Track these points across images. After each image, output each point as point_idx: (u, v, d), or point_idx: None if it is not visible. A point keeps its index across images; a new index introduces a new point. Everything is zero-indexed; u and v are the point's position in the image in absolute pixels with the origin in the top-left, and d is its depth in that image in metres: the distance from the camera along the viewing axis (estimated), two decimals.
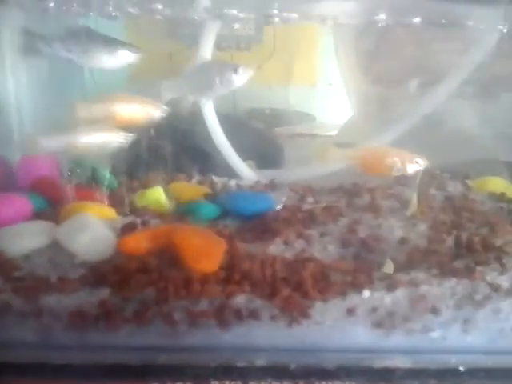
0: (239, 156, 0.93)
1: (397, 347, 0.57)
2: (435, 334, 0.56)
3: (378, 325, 0.55)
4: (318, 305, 0.55)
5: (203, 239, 0.57)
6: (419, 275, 0.57)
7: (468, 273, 0.57)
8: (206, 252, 0.56)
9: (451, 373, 0.56)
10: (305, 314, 0.54)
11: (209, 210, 0.70)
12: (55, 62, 0.95)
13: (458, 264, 0.59)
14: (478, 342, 0.57)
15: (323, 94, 1.34)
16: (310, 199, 0.81)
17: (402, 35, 1.08)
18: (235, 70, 0.75)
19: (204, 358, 0.53)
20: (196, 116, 0.86)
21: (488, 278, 0.56)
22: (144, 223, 0.66)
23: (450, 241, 0.65)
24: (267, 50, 1.24)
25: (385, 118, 1.11)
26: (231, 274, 0.56)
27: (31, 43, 0.79)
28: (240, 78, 0.76)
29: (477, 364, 0.56)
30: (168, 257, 0.57)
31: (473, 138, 1.00)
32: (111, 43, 0.74)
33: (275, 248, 0.63)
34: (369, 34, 1.12)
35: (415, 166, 0.71)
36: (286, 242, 0.64)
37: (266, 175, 0.95)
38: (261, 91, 1.30)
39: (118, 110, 0.74)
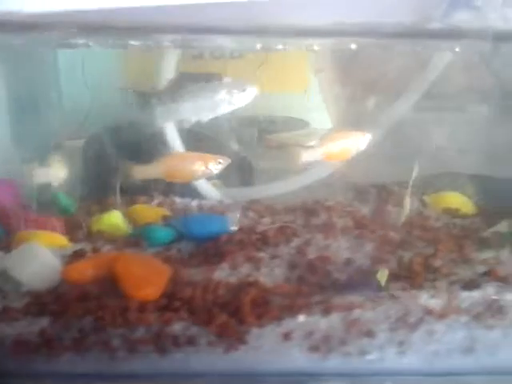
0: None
1: (334, 370, 0.58)
2: (371, 357, 0.59)
3: (314, 348, 0.57)
4: (255, 330, 0.56)
5: (145, 267, 0.59)
6: (355, 298, 0.59)
7: (402, 296, 0.59)
8: (147, 280, 0.57)
9: None
10: (241, 340, 0.56)
11: (162, 234, 0.71)
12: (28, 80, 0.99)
13: (395, 287, 0.61)
14: (414, 363, 0.59)
15: (316, 100, 1.39)
16: (267, 219, 0.83)
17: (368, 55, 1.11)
18: (243, 89, 0.76)
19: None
20: (156, 135, 0.88)
21: (421, 301, 0.58)
22: (94, 250, 0.68)
23: (393, 261, 0.68)
24: (260, 57, 1.28)
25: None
26: (171, 302, 0.58)
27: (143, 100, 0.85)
28: (247, 96, 0.77)
29: None
30: (111, 285, 0.59)
31: (437, 151, 1.02)
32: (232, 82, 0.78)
33: (221, 273, 0.64)
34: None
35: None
36: (232, 267, 0.66)
37: (234, 194, 0.98)
38: (254, 98, 1.34)
39: (175, 169, 0.77)
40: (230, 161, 0.83)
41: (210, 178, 0.96)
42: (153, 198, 0.87)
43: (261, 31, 0.72)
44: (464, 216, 0.84)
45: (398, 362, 0.58)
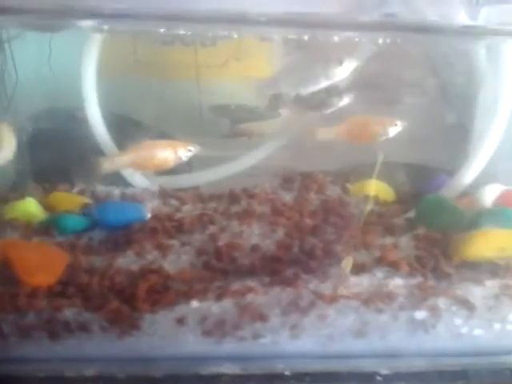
0: None
1: (228, 354, 0.61)
2: (265, 340, 0.61)
3: (208, 333, 0.59)
4: (148, 316, 0.58)
5: (40, 254, 0.60)
6: (249, 283, 0.60)
7: (293, 281, 0.60)
8: (40, 266, 0.58)
9: (278, 378, 0.60)
10: (134, 326, 0.57)
11: (74, 222, 0.72)
12: None
13: (289, 273, 0.62)
14: (307, 346, 0.61)
15: None
16: (188, 207, 0.84)
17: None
18: (340, 62, 0.76)
19: (33, 368, 0.56)
20: (81, 121, 0.87)
21: (310, 286, 0.60)
22: None
23: (296, 248, 0.69)
24: (233, 45, 1.26)
25: None
26: (66, 288, 0.59)
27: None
28: (344, 70, 0.76)
29: (304, 369, 0.60)
30: (5, 271, 0.60)
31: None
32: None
33: (125, 260, 0.65)
34: None
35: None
36: (138, 254, 0.67)
37: (164, 182, 0.97)
38: (227, 87, 1.34)
39: (146, 159, 0.77)
40: (199, 148, 0.83)
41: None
42: (73, 186, 0.87)
43: (213, 18, 0.73)
44: (383, 203, 0.86)
45: (291, 346, 0.61)
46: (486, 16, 0.74)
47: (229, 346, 0.59)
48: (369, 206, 0.87)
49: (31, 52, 1.02)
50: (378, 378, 0.60)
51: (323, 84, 0.78)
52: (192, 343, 0.58)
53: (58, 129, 0.88)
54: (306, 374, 0.60)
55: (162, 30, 0.82)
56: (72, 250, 0.65)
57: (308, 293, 0.59)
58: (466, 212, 0.72)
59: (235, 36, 0.90)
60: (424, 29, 0.75)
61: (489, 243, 0.64)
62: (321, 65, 0.76)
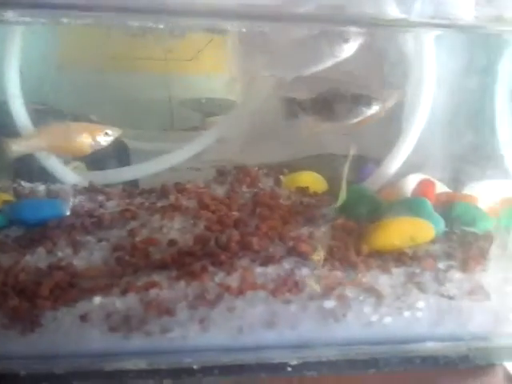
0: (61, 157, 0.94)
1: (135, 350, 0.60)
2: (173, 335, 0.60)
3: (113, 329, 0.58)
4: (51, 313, 0.57)
5: None
6: (154, 278, 0.60)
7: (199, 274, 0.60)
8: None
9: (186, 371, 0.60)
10: (35, 323, 0.57)
11: None
12: None
13: (197, 266, 0.62)
14: (217, 339, 0.61)
15: None
16: (113, 203, 0.82)
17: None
18: (345, 40, 0.73)
19: None
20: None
21: (216, 279, 0.60)
22: None
23: (211, 242, 0.69)
24: (203, 37, 1.23)
25: None
26: None
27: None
28: (350, 47, 0.73)
29: (213, 362, 0.60)
30: None
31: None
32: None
33: (34, 257, 0.64)
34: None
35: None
36: (49, 251, 0.66)
37: (97, 177, 0.95)
38: (197, 80, 1.31)
39: (60, 142, 0.75)
40: (120, 131, 0.81)
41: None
42: None
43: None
44: (313, 194, 0.87)
45: (200, 339, 0.61)
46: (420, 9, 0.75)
47: (136, 342, 0.59)
48: (300, 197, 0.89)
49: None
50: (288, 368, 0.61)
51: (329, 63, 0.75)
52: (97, 339, 0.58)
53: None
54: (215, 367, 0.60)
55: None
56: None
57: (215, 285, 0.60)
58: (382, 201, 0.73)
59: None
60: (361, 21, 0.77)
61: (399, 232, 0.65)
62: (325, 42, 0.73)
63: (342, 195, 0.75)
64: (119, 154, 1.08)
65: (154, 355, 0.60)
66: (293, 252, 0.64)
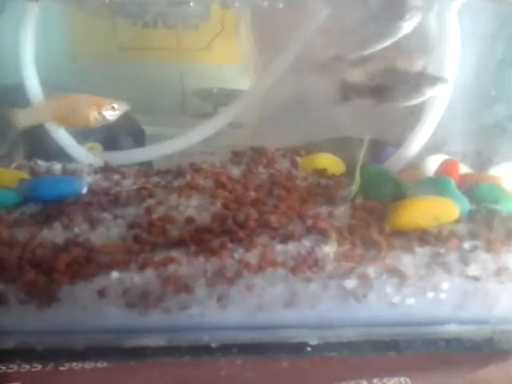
0: (79, 138, 0.93)
1: (153, 326, 0.59)
2: (191, 312, 0.60)
3: (131, 305, 0.57)
4: (68, 287, 0.57)
5: None
6: (175, 254, 0.59)
7: (218, 250, 0.59)
8: None
9: (204, 349, 0.59)
10: (52, 297, 0.56)
11: (3, 196, 0.69)
12: None
13: (215, 242, 0.61)
14: (235, 317, 0.60)
15: None
16: (129, 181, 0.81)
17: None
18: (401, 16, 0.71)
19: None
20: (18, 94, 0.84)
21: (235, 256, 0.59)
22: None
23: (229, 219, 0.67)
24: (215, 27, 1.20)
25: None
26: None
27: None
28: (409, 25, 0.71)
29: (231, 340, 0.59)
30: None
31: (329, 116, 1.03)
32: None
33: (51, 233, 0.63)
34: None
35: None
36: (66, 227, 0.65)
37: (113, 157, 0.94)
38: (209, 70, 1.28)
39: (66, 113, 0.74)
40: (127, 107, 0.79)
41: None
42: (12, 161, 0.85)
43: None
44: (331, 176, 0.85)
45: (218, 317, 0.60)
46: None
47: (154, 318, 0.58)
48: (317, 178, 0.87)
49: None
50: (308, 348, 0.60)
51: (387, 42, 0.72)
52: (115, 315, 0.57)
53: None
54: (234, 346, 0.59)
55: None
56: None
57: (233, 262, 0.59)
58: (404, 182, 0.71)
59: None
60: None
61: (423, 211, 0.63)
62: (382, 21, 0.71)
63: (357, 181, 0.74)
64: (136, 137, 1.09)
65: (172, 332, 0.59)
66: (312, 230, 0.63)
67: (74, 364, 0.56)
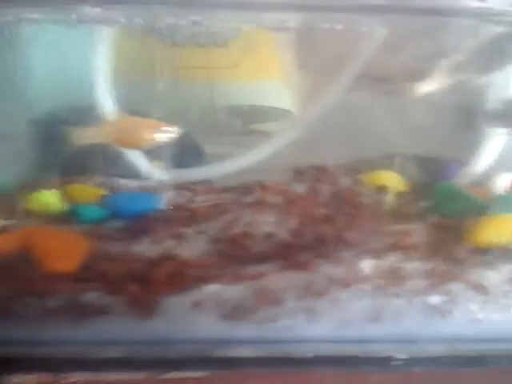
0: (149, 157, 0.97)
1: (245, 338, 0.61)
2: (280, 324, 0.61)
3: (224, 317, 0.60)
4: (167, 300, 0.59)
5: (62, 240, 0.61)
6: (263, 268, 0.62)
7: (306, 265, 0.61)
8: (63, 252, 0.60)
9: (294, 361, 0.61)
10: (153, 309, 0.58)
11: (92, 212, 0.73)
12: None
13: (302, 257, 0.63)
14: (323, 331, 0.62)
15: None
16: (202, 198, 0.85)
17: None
18: None
19: (58, 351, 0.57)
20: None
21: (324, 271, 0.61)
22: (22, 227, 0.70)
23: (310, 235, 0.70)
24: (245, 45, 1.27)
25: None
26: (87, 273, 0.60)
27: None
28: None
29: (320, 352, 0.60)
30: (29, 257, 0.61)
31: (381, 132, 1.05)
32: None
33: (142, 247, 0.67)
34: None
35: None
36: (154, 241, 0.68)
37: (179, 175, 0.99)
38: (239, 88, 1.34)
39: (123, 134, 0.77)
40: (180, 131, 0.82)
41: (157, 155, 0.98)
42: (92, 178, 0.88)
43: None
44: (395, 193, 0.87)
45: (306, 330, 0.62)
46: None
47: (245, 330, 0.61)
48: (382, 196, 0.89)
49: (46, 48, 1.06)
50: (394, 362, 0.62)
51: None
52: (208, 326, 0.60)
53: (74, 124, 0.90)
54: (322, 358, 0.62)
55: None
56: (91, 238, 0.67)
57: (322, 277, 0.61)
58: (478, 199, 0.73)
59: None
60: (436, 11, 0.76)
61: (501, 228, 0.65)
62: None
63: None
64: (195, 155, 1.13)
65: (262, 344, 0.61)
66: (394, 246, 0.66)
67: (171, 373, 0.59)
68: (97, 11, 0.75)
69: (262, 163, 1.08)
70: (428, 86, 0.93)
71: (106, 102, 0.91)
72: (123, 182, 0.91)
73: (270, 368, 0.60)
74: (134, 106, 1.08)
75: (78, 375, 0.57)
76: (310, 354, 0.60)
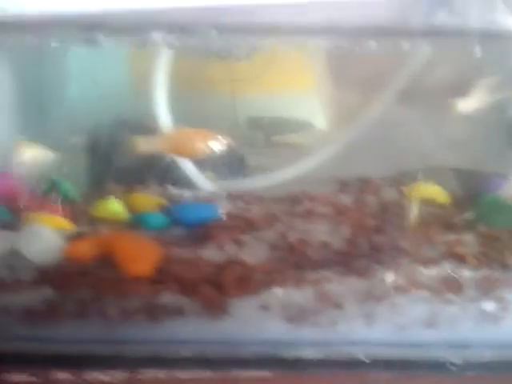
0: (198, 167, 1.02)
1: (308, 340, 0.65)
2: (341, 328, 0.65)
3: (289, 319, 0.64)
4: (236, 302, 0.63)
5: (139, 245, 0.66)
6: (325, 274, 0.65)
7: (365, 272, 0.65)
8: (141, 256, 0.64)
9: (355, 363, 0.64)
10: (223, 311, 0.63)
11: (157, 219, 0.78)
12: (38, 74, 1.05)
13: (361, 263, 0.67)
14: (381, 335, 0.65)
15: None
16: (255, 207, 0.89)
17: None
18: None
19: (136, 349, 0.62)
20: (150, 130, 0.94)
21: (384, 277, 0.64)
22: (94, 232, 0.75)
23: (365, 243, 0.74)
24: (267, 57, 1.27)
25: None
26: (161, 276, 0.65)
27: None
28: None
29: (379, 355, 0.64)
30: (108, 261, 0.66)
31: (421, 146, 1.08)
32: None
33: (208, 252, 0.71)
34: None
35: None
36: (219, 247, 0.73)
37: (226, 185, 1.03)
38: (261, 100, 1.34)
39: (179, 145, 0.83)
40: (231, 140, 0.87)
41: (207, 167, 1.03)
42: (149, 187, 0.93)
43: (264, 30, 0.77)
44: (438, 205, 0.90)
45: (365, 334, 0.65)
46: None
47: (309, 332, 0.65)
48: (425, 207, 0.92)
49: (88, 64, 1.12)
50: (450, 367, 0.64)
51: None
52: (275, 328, 0.63)
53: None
54: (381, 361, 0.64)
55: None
56: (160, 243, 0.72)
57: (381, 282, 0.65)
58: None
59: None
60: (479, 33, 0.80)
61: None
62: None
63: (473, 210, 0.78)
64: (238, 165, 1.17)
65: (325, 346, 0.65)
66: (448, 255, 0.69)
67: (240, 372, 0.63)
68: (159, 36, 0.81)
69: (305, 175, 1.13)
70: (471, 103, 0.97)
71: (163, 115, 0.98)
72: (177, 191, 0.98)
73: (329, 369, 0.64)
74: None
75: (153, 372, 0.62)
76: (370, 357, 0.64)
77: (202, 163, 1.08)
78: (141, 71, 1.23)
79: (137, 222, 0.79)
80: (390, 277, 0.65)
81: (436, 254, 0.68)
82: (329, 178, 1.05)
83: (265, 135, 1.39)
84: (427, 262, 0.66)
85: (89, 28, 0.71)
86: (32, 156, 0.81)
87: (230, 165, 1.16)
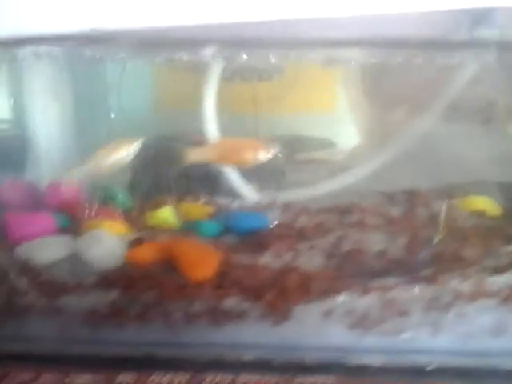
0: (243, 179, 1.03)
1: (371, 347, 0.64)
2: (406, 335, 0.63)
3: (352, 326, 0.63)
4: (299, 308, 0.63)
5: (199, 251, 0.66)
6: (389, 281, 0.65)
7: (432, 280, 0.64)
8: (202, 261, 0.64)
9: (420, 372, 0.62)
10: (286, 316, 0.62)
11: (210, 227, 0.79)
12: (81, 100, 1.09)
13: (426, 272, 0.66)
14: (446, 343, 0.64)
15: (342, 121, 1.38)
16: (304, 218, 0.89)
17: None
18: None
19: (198, 352, 0.62)
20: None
21: (451, 285, 0.63)
22: (151, 238, 0.75)
23: (423, 253, 0.73)
24: (289, 79, 1.29)
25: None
26: (223, 281, 0.65)
27: None
28: None
29: (445, 364, 0.62)
30: (169, 265, 0.66)
31: (466, 160, 1.07)
32: None
33: (265, 259, 0.71)
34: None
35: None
36: (275, 255, 0.73)
37: (268, 196, 1.04)
38: (283, 119, 1.35)
39: (228, 154, 0.84)
40: (276, 150, 0.88)
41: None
42: (199, 197, 0.95)
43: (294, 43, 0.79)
44: (490, 217, 0.89)
45: (431, 342, 0.64)
46: None
47: (372, 339, 0.63)
48: (477, 219, 0.91)
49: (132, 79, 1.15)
50: None
51: None
52: (337, 334, 0.63)
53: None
54: (448, 370, 0.63)
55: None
56: (218, 250, 0.72)
57: (447, 290, 0.64)
58: None
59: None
60: None
61: None
62: None
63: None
64: (279, 178, 1.18)
65: (388, 353, 0.64)
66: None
67: (301, 377, 0.62)
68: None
69: (350, 187, 1.13)
70: None
71: (211, 128, 1.00)
72: (224, 201, 0.98)
73: (393, 377, 0.62)
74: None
75: (215, 376, 0.62)
76: (436, 366, 0.62)
77: (245, 175, 1.10)
78: (164, 88, 1.30)
79: (190, 230, 0.79)
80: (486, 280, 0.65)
81: (500, 264, 0.68)
82: (369, 191, 1.06)
83: (286, 153, 1.42)
84: (491, 271, 0.66)
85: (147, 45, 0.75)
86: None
87: (272, 176, 1.18)
